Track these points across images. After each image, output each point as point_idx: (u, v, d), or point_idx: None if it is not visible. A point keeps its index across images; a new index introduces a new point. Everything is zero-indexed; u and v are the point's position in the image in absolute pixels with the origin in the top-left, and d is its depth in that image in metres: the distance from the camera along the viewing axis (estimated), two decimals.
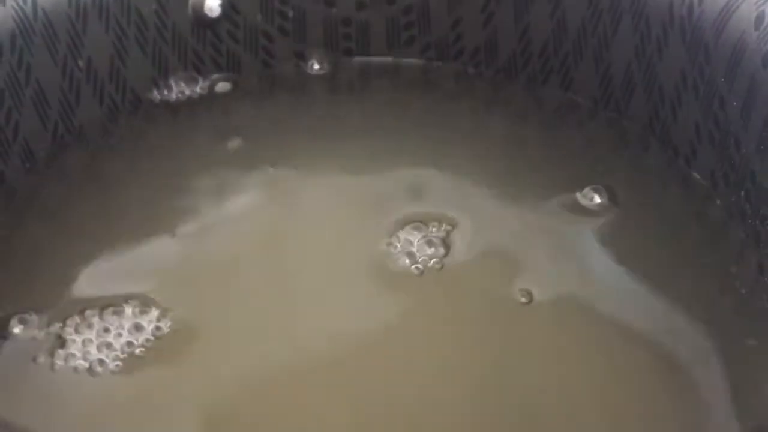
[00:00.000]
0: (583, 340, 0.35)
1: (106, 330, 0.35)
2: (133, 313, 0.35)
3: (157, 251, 0.38)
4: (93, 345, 0.34)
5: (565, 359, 0.34)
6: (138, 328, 0.35)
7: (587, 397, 0.33)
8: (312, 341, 0.35)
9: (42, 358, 0.34)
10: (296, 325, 0.36)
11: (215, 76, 0.46)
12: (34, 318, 0.35)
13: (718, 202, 0.38)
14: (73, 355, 0.34)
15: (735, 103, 0.36)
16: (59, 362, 0.34)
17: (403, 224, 0.38)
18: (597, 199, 0.39)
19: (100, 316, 0.35)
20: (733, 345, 0.34)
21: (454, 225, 0.38)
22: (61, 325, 0.35)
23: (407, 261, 0.37)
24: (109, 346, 0.34)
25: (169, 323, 0.35)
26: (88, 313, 0.35)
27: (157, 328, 0.35)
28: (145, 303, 0.36)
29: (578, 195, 0.39)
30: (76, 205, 0.40)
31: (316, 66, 0.46)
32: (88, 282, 0.37)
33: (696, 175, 0.40)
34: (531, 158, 0.42)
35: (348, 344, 0.35)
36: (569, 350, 0.34)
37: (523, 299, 0.36)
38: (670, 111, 0.40)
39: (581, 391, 0.33)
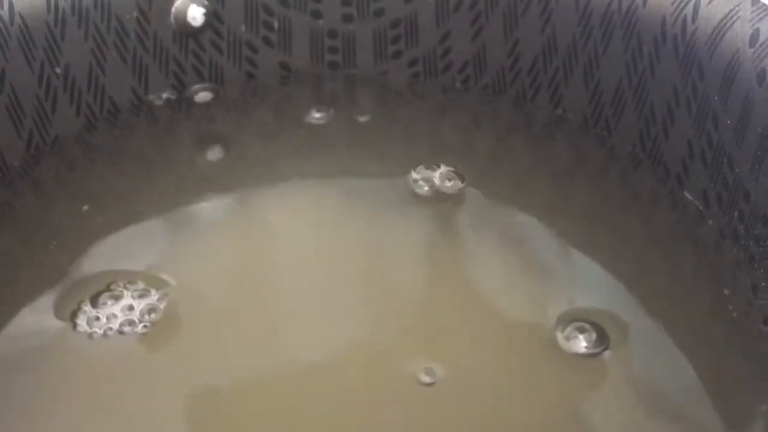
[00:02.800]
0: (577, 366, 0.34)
1: None
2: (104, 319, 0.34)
3: (135, 262, 0.37)
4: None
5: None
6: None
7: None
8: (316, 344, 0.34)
9: None
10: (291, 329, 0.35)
11: (197, 86, 0.45)
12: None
13: (711, 222, 0.38)
14: None
15: (729, 122, 0.36)
16: None
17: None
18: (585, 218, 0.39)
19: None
20: (725, 370, 0.33)
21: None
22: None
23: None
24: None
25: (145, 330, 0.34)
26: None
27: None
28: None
29: (568, 205, 0.39)
30: (50, 216, 0.39)
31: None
32: (61, 294, 0.36)
33: (687, 195, 0.39)
34: (518, 176, 0.41)
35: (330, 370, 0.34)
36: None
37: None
38: (662, 129, 0.40)
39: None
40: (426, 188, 0.40)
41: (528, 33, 0.43)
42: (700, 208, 0.38)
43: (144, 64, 0.43)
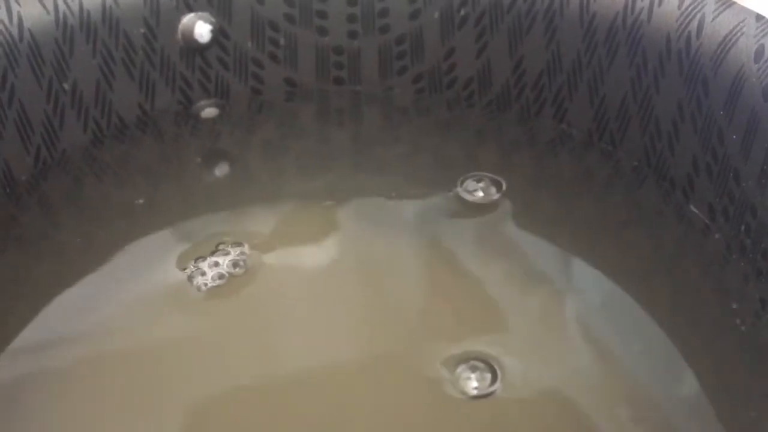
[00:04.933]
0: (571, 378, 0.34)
1: None
2: None
3: (140, 281, 0.37)
4: None
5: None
6: None
7: None
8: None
9: None
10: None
11: (203, 101, 0.45)
12: None
13: (717, 236, 0.38)
14: None
15: (734, 136, 0.36)
16: None
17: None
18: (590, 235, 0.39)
19: None
20: (733, 384, 0.33)
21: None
22: None
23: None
24: None
25: None
26: None
27: None
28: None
29: (573, 220, 0.39)
30: (57, 231, 0.39)
31: None
32: (67, 311, 0.36)
33: (694, 209, 0.39)
34: (523, 191, 0.41)
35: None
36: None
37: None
38: (667, 143, 0.40)
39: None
40: (437, 202, 0.40)
41: (532, 49, 0.43)
42: (707, 221, 0.38)
43: (151, 79, 0.43)
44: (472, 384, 0.32)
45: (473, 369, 0.32)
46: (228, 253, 0.37)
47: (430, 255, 0.39)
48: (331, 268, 0.38)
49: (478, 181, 0.41)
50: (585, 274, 0.38)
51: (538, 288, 0.37)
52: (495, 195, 0.40)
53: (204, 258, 0.37)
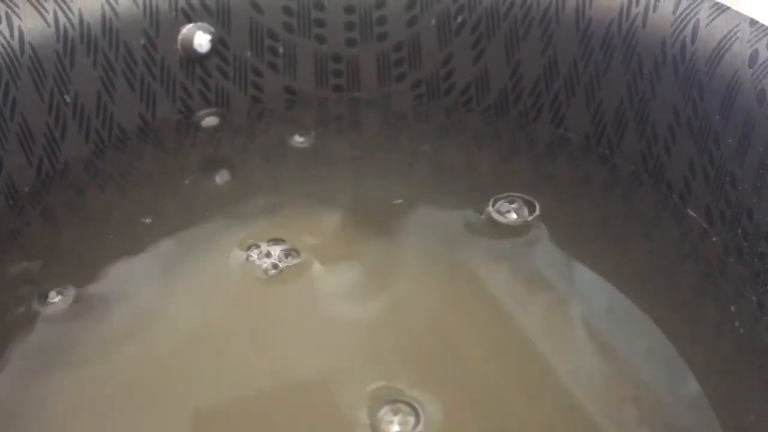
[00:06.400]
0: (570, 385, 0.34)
1: None
2: None
3: (142, 291, 0.37)
4: None
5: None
6: None
7: None
8: None
9: None
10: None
11: (203, 111, 0.46)
12: None
13: (715, 239, 0.38)
14: None
15: (730, 140, 0.36)
16: None
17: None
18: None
19: None
20: (732, 385, 0.34)
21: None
22: None
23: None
24: None
25: None
26: None
27: None
28: None
29: (571, 224, 0.39)
30: (60, 242, 0.40)
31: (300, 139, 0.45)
32: (76, 319, 0.36)
33: (691, 212, 0.39)
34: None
35: None
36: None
37: None
38: (664, 147, 0.40)
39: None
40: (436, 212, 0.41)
41: (529, 55, 0.44)
42: (704, 225, 0.39)
43: (152, 90, 0.44)
44: (394, 428, 0.30)
45: (395, 412, 0.30)
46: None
47: (429, 270, 0.39)
48: (324, 280, 0.38)
49: (512, 203, 0.40)
50: (584, 279, 0.38)
51: (536, 296, 0.37)
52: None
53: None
